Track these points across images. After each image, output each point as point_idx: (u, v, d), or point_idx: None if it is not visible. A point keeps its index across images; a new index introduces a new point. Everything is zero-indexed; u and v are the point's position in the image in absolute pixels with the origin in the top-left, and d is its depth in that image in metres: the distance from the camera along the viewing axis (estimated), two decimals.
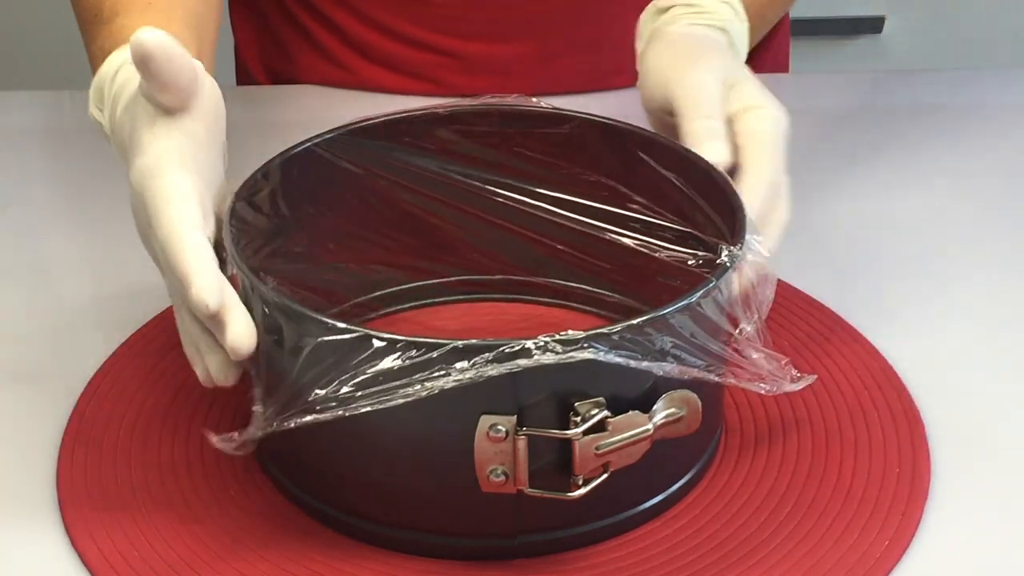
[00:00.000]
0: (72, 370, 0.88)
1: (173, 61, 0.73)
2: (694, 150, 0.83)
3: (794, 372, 0.77)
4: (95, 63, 0.86)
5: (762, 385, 0.76)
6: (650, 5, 0.96)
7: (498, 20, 1.15)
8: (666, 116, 0.88)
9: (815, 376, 0.80)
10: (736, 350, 0.76)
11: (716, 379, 0.74)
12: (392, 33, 1.17)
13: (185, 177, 0.74)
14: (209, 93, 0.78)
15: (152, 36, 0.72)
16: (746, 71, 0.89)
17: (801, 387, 0.78)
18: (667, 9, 0.94)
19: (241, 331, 0.72)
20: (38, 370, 0.89)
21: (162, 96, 0.75)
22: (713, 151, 0.82)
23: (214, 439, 0.73)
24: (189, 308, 0.73)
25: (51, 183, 1.10)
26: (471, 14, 1.15)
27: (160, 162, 0.74)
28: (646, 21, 0.95)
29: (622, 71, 1.18)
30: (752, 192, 0.82)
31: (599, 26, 1.16)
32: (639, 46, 0.95)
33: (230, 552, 0.75)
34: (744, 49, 0.96)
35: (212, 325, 0.73)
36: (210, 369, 0.75)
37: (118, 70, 0.82)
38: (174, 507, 0.78)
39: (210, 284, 0.71)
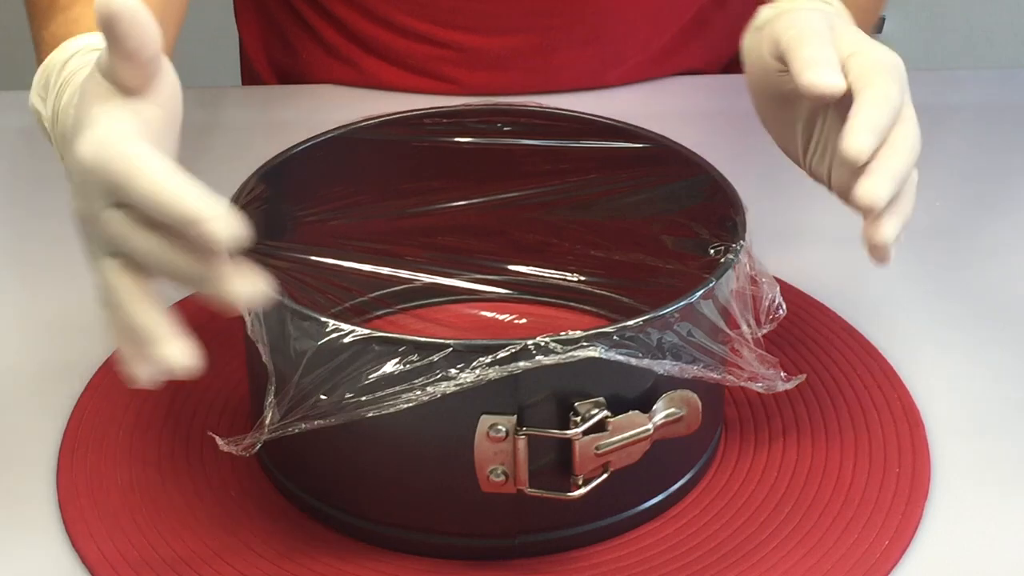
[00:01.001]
0: (72, 370, 0.88)
1: (141, 26, 0.67)
2: (805, 77, 0.74)
3: (783, 373, 0.77)
4: (43, 49, 0.82)
5: (758, 384, 0.76)
6: (749, 24, 0.87)
7: (499, 13, 1.15)
8: (776, 72, 0.81)
9: (804, 376, 0.80)
10: (734, 350, 0.76)
11: (716, 377, 0.74)
12: (394, 27, 1.17)
13: (151, 147, 0.67)
14: (169, 82, 0.71)
15: (120, 2, 0.65)
16: (855, 28, 0.82)
17: (792, 385, 0.77)
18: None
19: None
20: (38, 370, 0.89)
21: (123, 67, 0.68)
22: (824, 75, 0.74)
23: (220, 442, 0.73)
24: (193, 249, 0.65)
25: (51, 183, 1.10)
26: (472, 7, 1.15)
27: (120, 132, 0.67)
28: (749, 35, 0.87)
29: (621, 64, 1.18)
30: (871, 106, 0.73)
31: (599, 19, 1.16)
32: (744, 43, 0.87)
33: (230, 552, 0.75)
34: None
35: (212, 263, 0.65)
36: (160, 358, 0.67)
37: (69, 59, 0.78)
38: (174, 507, 0.78)
39: (226, 212, 0.63)
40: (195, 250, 0.65)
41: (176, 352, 0.66)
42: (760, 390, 0.76)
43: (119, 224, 0.67)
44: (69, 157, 0.70)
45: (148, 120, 0.69)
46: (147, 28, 0.67)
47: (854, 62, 0.76)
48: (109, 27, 0.66)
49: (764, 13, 0.84)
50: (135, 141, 0.66)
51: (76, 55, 0.79)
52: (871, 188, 0.72)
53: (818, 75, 0.74)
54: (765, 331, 0.77)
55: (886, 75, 0.75)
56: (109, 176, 0.66)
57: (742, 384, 0.76)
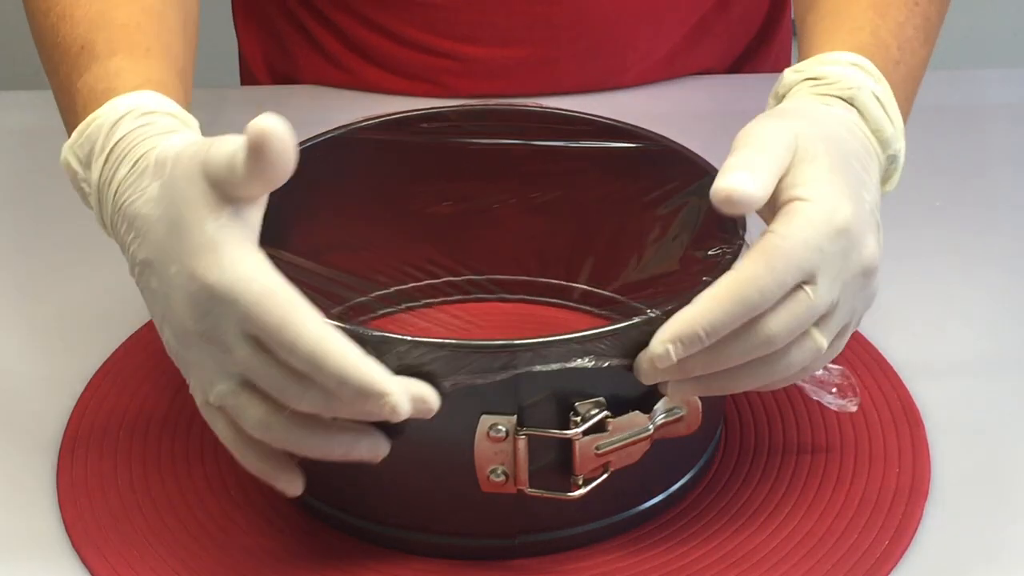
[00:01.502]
0: (72, 370, 0.88)
1: (287, 154, 0.64)
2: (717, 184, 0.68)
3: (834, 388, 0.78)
4: (79, 102, 0.77)
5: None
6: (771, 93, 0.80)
7: (499, 24, 1.15)
8: None
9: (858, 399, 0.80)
10: None
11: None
12: (393, 36, 1.17)
13: (282, 279, 0.66)
14: None
15: (275, 125, 0.63)
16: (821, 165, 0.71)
17: (835, 406, 0.79)
18: (789, 88, 0.78)
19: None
20: (38, 370, 0.89)
21: (253, 187, 0.66)
22: (733, 179, 0.67)
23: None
24: (350, 410, 0.66)
25: (51, 183, 1.10)
26: (472, 18, 1.15)
27: (258, 266, 0.66)
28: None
29: (622, 75, 1.18)
30: (709, 300, 0.67)
31: (600, 29, 1.16)
32: None
33: (229, 553, 0.75)
34: (884, 115, 0.76)
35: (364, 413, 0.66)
36: (279, 485, 0.70)
37: (118, 121, 0.73)
38: (174, 507, 0.78)
39: (401, 389, 0.65)
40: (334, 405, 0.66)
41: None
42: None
43: (251, 356, 0.66)
44: (168, 265, 0.68)
45: (256, 223, 0.68)
46: (292, 152, 0.64)
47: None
48: (258, 150, 0.64)
49: (786, 78, 0.79)
50: (278, 282, 0.66)
51: (126, 117, 0.74)
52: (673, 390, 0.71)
53: (727, 179, 0.67)
54: None
55: (776, 253, 0.67)
56: (255, 316, 0.65)
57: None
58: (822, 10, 0.82)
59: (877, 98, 0.76)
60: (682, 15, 1.18)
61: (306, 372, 0.65)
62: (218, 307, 0.66)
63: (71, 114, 0.78)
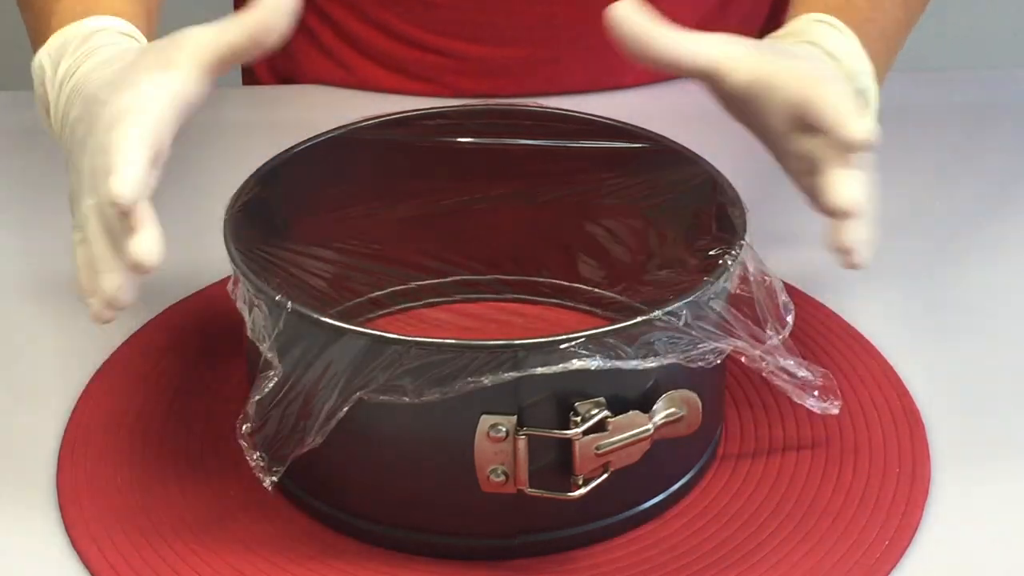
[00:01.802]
0: (72, 370, 0.88)
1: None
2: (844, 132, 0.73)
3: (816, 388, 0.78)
4: (54, 20, 0.82)
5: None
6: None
7: (500, 23, 1.15)
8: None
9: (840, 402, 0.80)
10: (769, 352, 0.76)
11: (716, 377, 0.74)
12: (394, 34, 1.17)
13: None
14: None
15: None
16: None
17: (817, 409, 0.78)
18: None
19: (149, 240, 0.69)
20: (38, 370, 0.89)
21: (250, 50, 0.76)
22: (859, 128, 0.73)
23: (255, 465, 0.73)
24: (101, 206, 0.70)
25: (51, 183, 1.10)
26: (473, 17, 1.15)
27: (148, 91, 0.72)
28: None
29: (623, 74, 1.18)
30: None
31: (600, 30, 1.16)
32: None
33: (230, 552, 0.75)
34: (846, 50, 0.83)
35: (118, 231, 0.70)
36: (104, 287, 0.72)
37: (94, 33, 0.79)
38: (174, 507, 0.78)
39: (136, 177, 0.68)
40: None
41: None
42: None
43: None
44: (92, 107, 0.73)
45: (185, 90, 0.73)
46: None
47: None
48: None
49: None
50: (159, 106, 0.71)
51: (101, 32, 0.79)
52: (850, 192, 0.73)
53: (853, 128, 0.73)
54: (782, 336, 0.77)
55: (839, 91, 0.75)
56: (105, 107, 0.71)
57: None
58: None
59: (848, 46, 0.82)
60: (682, 16, 1.18)
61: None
62: (89, 106, 0.73)
63: (42, 32, 0.82)
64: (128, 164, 0.68)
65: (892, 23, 0.88)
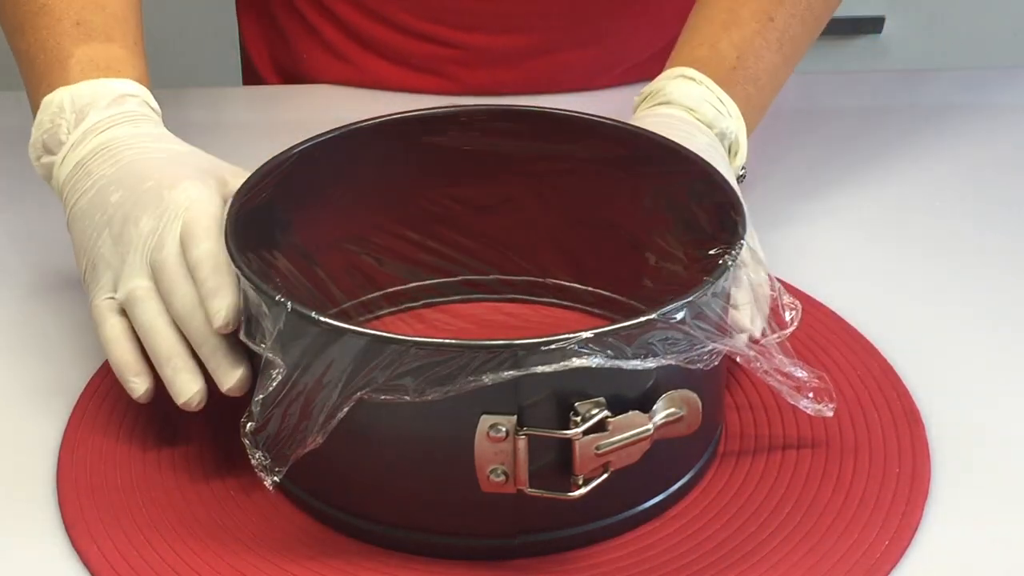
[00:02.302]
0: (72, 370, 0.88)
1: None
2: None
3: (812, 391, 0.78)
4: (73, 64, 0.88)
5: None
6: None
7: (501, 12, 1.15)
8: None
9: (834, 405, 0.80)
10: (765, 353, 0.76)
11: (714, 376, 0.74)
12: (394, 25, 1.17)
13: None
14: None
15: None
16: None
17: (811, 411, 0.78)
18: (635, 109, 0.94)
19: (244, 378, 0.77)
20: (38, 370, 0.89)
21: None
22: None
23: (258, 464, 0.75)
24: (185, 317, 0.78)
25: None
26: (474, 6, 1.15)
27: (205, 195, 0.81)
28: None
29: (624, 63, 1.18)
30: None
31: (602, 19, 1.16)
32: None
33: (230, 552, 0.75)
34: (702, 101, 0.92)
35: (207, 350, 0.77)
36: (181, 391, 0.78)
37: (123, 96, 0.87)
38: (174, 507, 0.78)
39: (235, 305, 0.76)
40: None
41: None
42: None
43: (172, 256, 0.79)
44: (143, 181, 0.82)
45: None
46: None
47: None
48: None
49: (634, 101, 0.94)
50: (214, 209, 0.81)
51: (130, 98, 0.87)
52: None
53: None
54: (779, 337, 0.77)
55: None
56: (187, 220, 0.79)
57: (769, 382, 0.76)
58: (685, 29, 0.97)
59: (700, 92, 0.91)
60: (683, 6, 1.18)
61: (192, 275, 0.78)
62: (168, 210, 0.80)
63: (54, 68, 0.88)
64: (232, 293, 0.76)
65: (767, 67, 0.95)
